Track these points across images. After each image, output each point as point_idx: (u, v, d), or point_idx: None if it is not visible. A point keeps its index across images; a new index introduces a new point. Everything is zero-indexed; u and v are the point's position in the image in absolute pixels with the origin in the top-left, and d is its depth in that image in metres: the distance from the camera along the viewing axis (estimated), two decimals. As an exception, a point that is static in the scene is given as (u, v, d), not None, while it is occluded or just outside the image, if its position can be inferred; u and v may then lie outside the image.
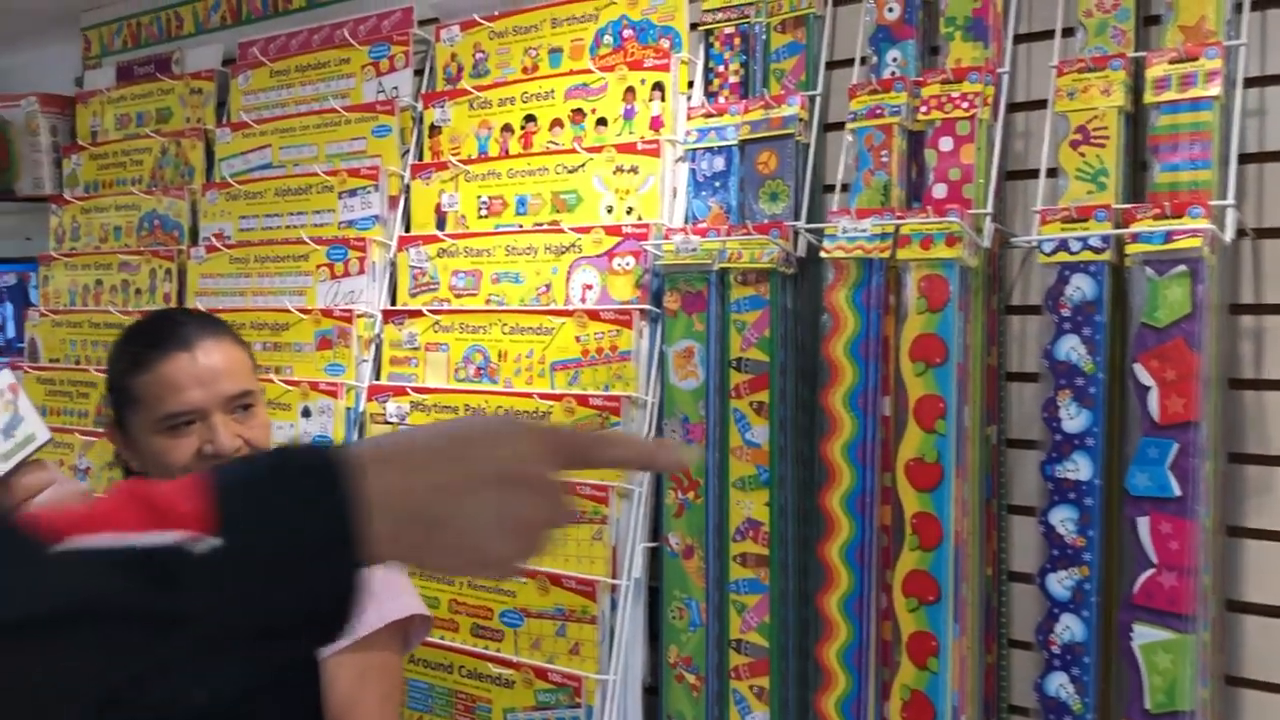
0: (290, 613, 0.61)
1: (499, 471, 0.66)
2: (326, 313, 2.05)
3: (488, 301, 1.91)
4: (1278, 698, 1.31)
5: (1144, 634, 1.28)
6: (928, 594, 1.42)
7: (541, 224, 1.87)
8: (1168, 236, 1.27)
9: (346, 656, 1.37)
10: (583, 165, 1.82)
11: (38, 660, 0.56)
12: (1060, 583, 1.35)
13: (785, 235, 1.56)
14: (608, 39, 1.85)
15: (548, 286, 1.84)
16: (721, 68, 1.73)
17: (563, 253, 1.81)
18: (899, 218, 1.45)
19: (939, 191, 1.47)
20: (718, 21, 1.72)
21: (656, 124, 1.76)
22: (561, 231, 1.81)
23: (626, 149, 1.77)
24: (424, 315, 1.95)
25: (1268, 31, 1.34)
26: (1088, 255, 1.34)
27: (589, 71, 1.84)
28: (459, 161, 1.97)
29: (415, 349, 1.96)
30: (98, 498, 0.63)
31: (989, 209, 1.43)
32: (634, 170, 1.76)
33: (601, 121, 1.83)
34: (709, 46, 1.74)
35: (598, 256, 1.77)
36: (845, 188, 1.56)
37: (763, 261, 1.57)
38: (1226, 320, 1.34)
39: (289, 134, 2.23)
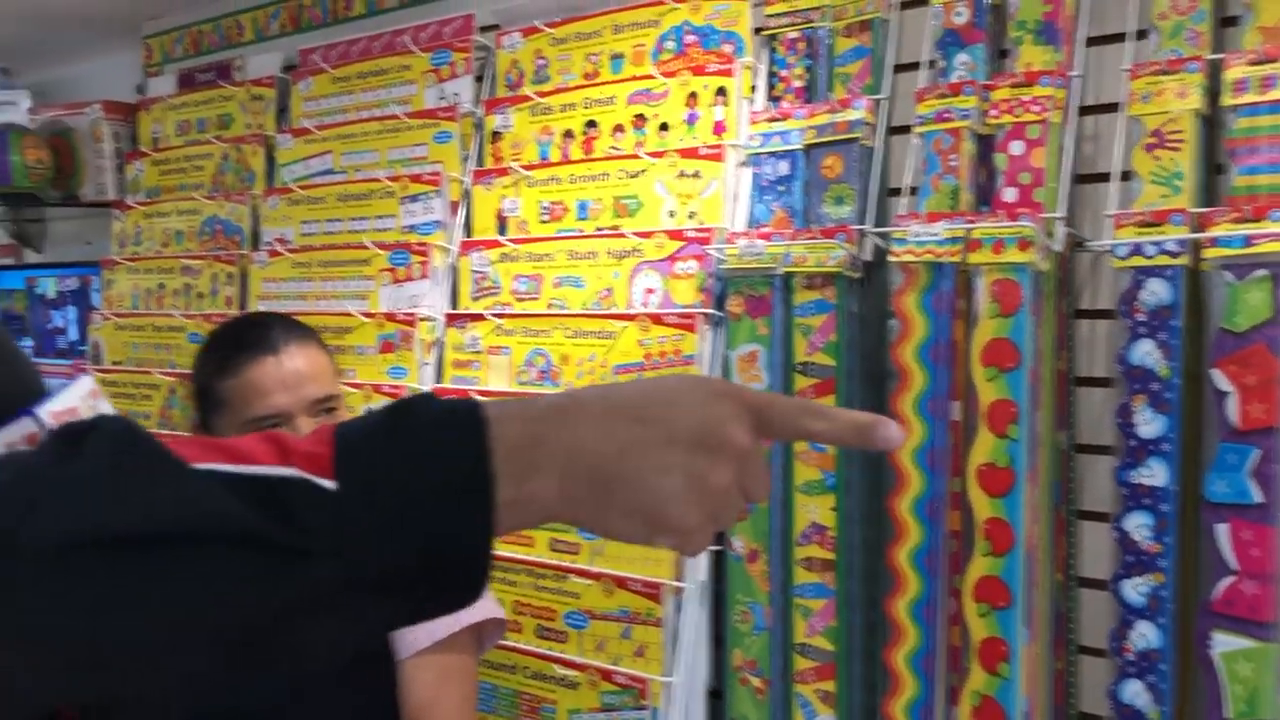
0: (409, 565, 0.56)
1: (691, 431, 0.60)
2: (389, 316, 2.07)
3: (549, 306, 1.92)
4: (1359, 707, 1.30)
5: (1224, 642, 1.26)
6: (999, 599, 1.42)
7: (603, 229, 1.88)
8: (1247, 240, 1.26)
9: (426, 657, 1.39)
10: (644, 170, 1.83)
11: (167, 577, 0.54)
12: (1135, 589, 1.34)
13: (852, 239, 1.56)
14: (670, 44, 1.86)
15: (609, 291, 1.85)
16: (785, 72, 1.73)
17: (624, 257, 1.82)
18: (970, 222, 1.44)
19: (1009, 195, 1.46)
20: (782, 26, 1.72)
21: (719, 129, 1.77)
22: (623, 236, 1.82)
23: (689, 154, 1.78)
24: (486, 319, 1.96)
25: (1348, 33, 1.32)
26: (1163, 260, 1.33)
27: (651, 77, 1.85)
28: (521, 167, 1.99)
29: (477, 352, 1.98)
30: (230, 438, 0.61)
31: (1061, 213, 1.43)
32: (696, 175, 1.77)
33: (664, 126, 1.84)
34: (773, 51, 1.74)
35: (660, 261, 1.78)
36: (913, 191, 1.56)
37: (829, 265, 1.57)
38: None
39: (351, 140, 2.25)
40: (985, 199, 1.51)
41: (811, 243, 1.58)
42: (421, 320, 2.04)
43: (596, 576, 1.72)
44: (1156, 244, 1.33)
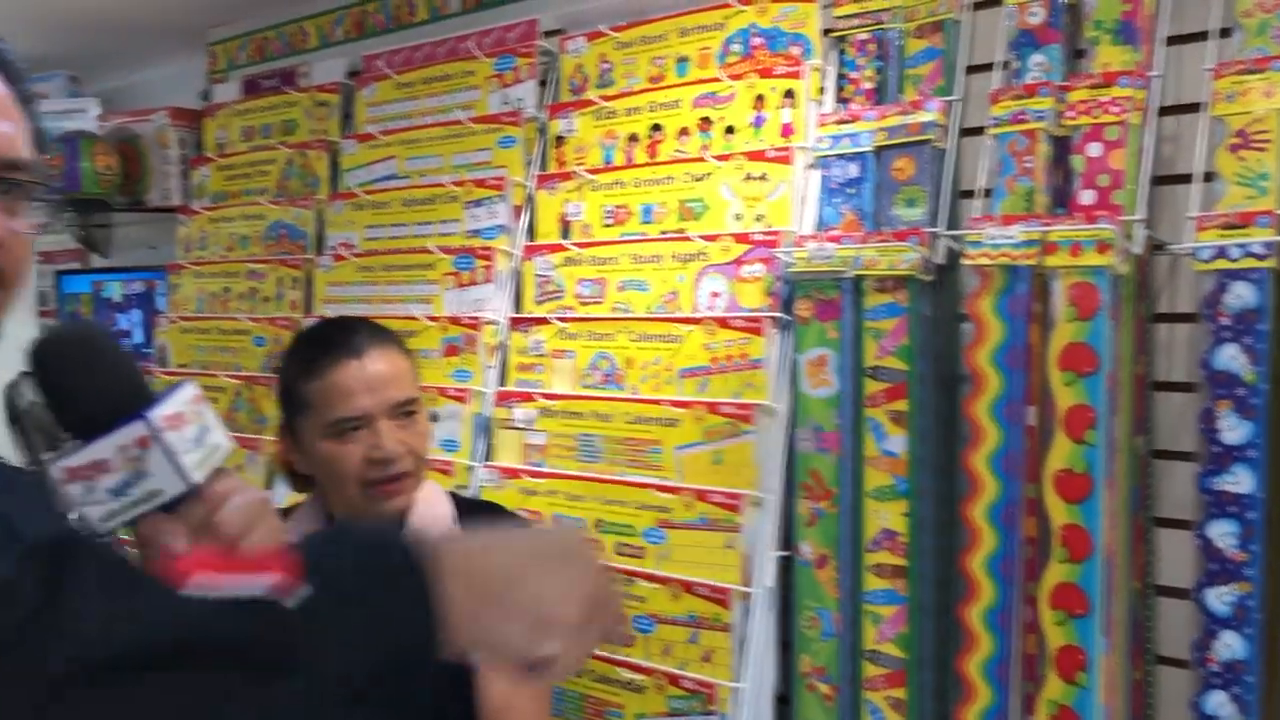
0: (372, 666, 0.69)
1: (565, 549, 0.78)
2: (453, 320, 2.09)
3: (613, 309, 1.92)
4: None
5: (1314, 653, 1.24)
6: (1077, 607, 1.39)
7: (667, 232, 1.88)
8: (1338, 242, 1.23)
9: (502, 661, 1.39)
10: (710, 173, 1.82)
11: (154, 692, 0.63)
12: (1220, 599, 1.31)
13: (924, 242, 1.55)
14: (736, 47, 1.85)
15: (674, 294, 1.84)
16: (854, 74, 1.72)
17: (690, 260, 1.82)
18: (1047, 224, 1.42)
19: (1087, 197, 1.44)
20: (851, 28, 1.71)
21: (787, 131, 1.76)
22: (689, 239, 1.82)
23: (756, 156, 1.77)
24: (550, 322, 1.97)
25: None
26: (1249, 262, 1.30)
27: (717, 80, 1.85)
28: (585, 171, 1.99)
29: (541, 355, 1.99)
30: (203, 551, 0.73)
31: (1140, 215, 1.40)
32: (763, 178, 1.76)
33: (730, 129, 1.83)
34: (841, 53, 1.73)
35: (726, 264, 1.77)
36: (986, 193, 1.54)
37: (901, 268, 1.55)
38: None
39: (415, 145, 2.27)
40: (1061, 201, 1.49)
41: (883, 246, 1.57)
42: (485, 324, 2.05)
43: (663, 581, 1.71)
44: (1242, 246, 1.30)
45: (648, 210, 1.92)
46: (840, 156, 1.68)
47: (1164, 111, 1.45)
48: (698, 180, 1.84)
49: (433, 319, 2.11)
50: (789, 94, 1.76)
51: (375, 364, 1.45)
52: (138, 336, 3.11)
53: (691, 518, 1.71)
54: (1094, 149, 1.44)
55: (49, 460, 0.74)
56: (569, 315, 1.96)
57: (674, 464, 1.77)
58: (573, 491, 1.86)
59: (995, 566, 1.46)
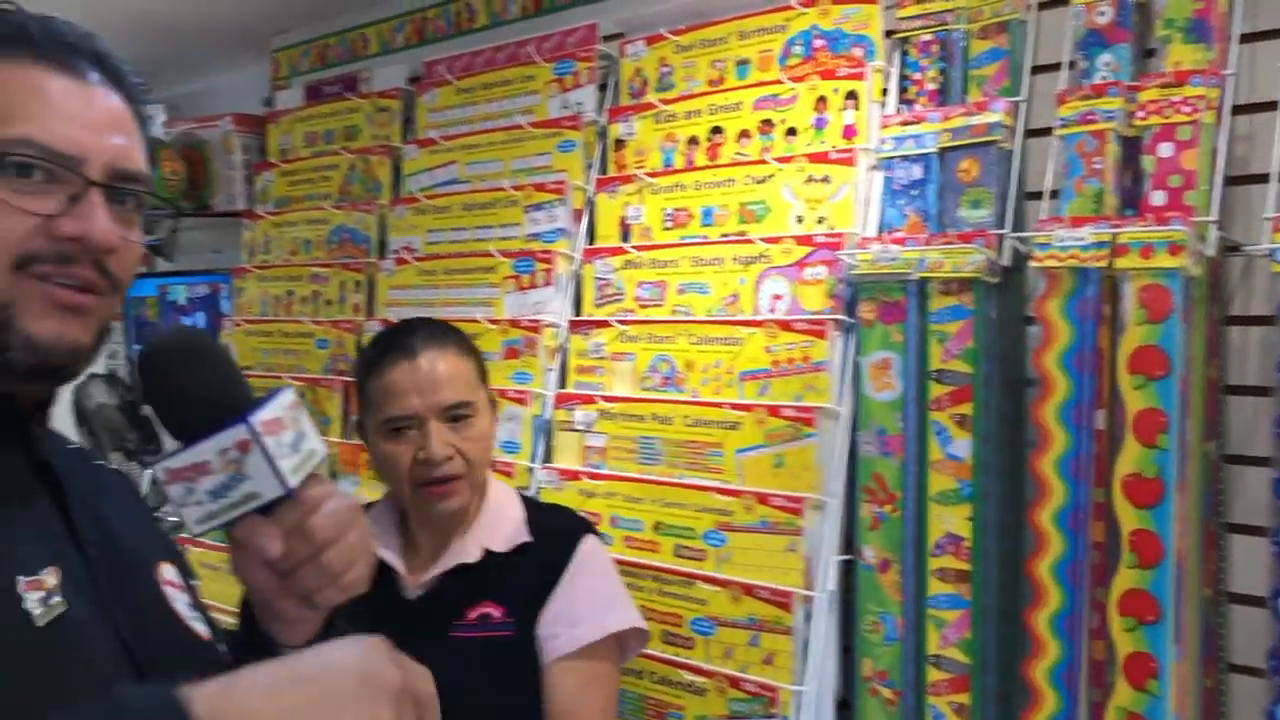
0: None
1: (362, 680, 0.69)
2: (514, 323, 2.10)
3: (673, 312, 1.92)
4: None
5: (1396, 663, 1.21)
6: (1147, 614, 1.37)
7: (728, 235, 1.88)
8: None
9: (570, 663, 1.40)
10: (771, 175, 1.82)
11: None
12: (1297, 606, 1.29)
13: (991, 243, 1.53)
14: (797, 49, 1.85)
15: (735, 297, 1.84)
16: (918, 75, 1.71)
17: (751, 263, 1.82)
18: (1117, 226, 1.40)
19: (1158, 199, 1.42)
20: (915, 29, 1.70)
21: (850, 133, 1.75)
22: (750, 242, 1.82)
23: (818, 158, 1.76)
24: (610, 325, 1.98)
25: None
26: (1327, 263, 1.27)
27: (778, 82, 1.84)
28: (645, 174, 2.00)
29: (601, 358, 1.99)
30: None
31: (1213, 216, 1.38)
32: (826, 180, 1.76)
33: (791, 131, 1.83)
34: (904, 54, 1.73)
35: (788, 266, 1.77)
36: (1053, 195, 1.52)
37: (966, 270, 1.54)
38: None
39: (475, 150, 2.29)
40: (1130, 202, 1.47)
41: (948, 248, 1.56)
42: (545, 326, 2.06)
43: (724, 584, 1.71)
44: (1320, 247, 1.28)
45: (708, 213, 1.92)
46: (904, 158, 1.67)
47: (1238, 110, 1.43)
48: (759, 182, 1.84)
49: (493, 322, 2.13)
50: (851, 95, 1.76)
51: (428, 365, 1.46)
52: (202, 339, 3.17)
53: (752, 521, 1.71)
54: (1165, 149, 1.42)
55: (151, 463, 0.75)
56: (629, 318, 1.97)
57: (735, 467, 1.76)
58: (632, 494, 1.87)
59: (1063, 572, 1.44)
